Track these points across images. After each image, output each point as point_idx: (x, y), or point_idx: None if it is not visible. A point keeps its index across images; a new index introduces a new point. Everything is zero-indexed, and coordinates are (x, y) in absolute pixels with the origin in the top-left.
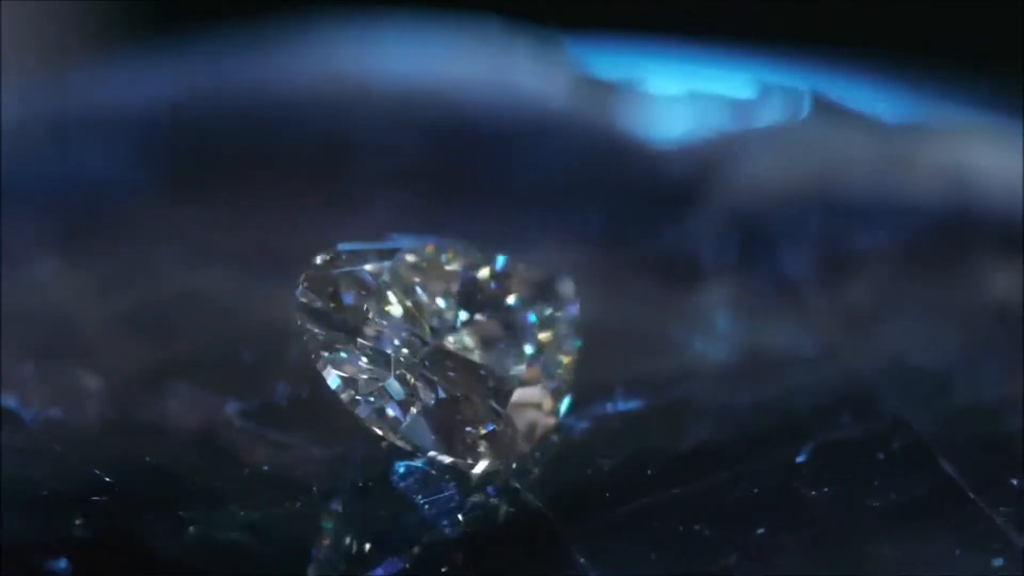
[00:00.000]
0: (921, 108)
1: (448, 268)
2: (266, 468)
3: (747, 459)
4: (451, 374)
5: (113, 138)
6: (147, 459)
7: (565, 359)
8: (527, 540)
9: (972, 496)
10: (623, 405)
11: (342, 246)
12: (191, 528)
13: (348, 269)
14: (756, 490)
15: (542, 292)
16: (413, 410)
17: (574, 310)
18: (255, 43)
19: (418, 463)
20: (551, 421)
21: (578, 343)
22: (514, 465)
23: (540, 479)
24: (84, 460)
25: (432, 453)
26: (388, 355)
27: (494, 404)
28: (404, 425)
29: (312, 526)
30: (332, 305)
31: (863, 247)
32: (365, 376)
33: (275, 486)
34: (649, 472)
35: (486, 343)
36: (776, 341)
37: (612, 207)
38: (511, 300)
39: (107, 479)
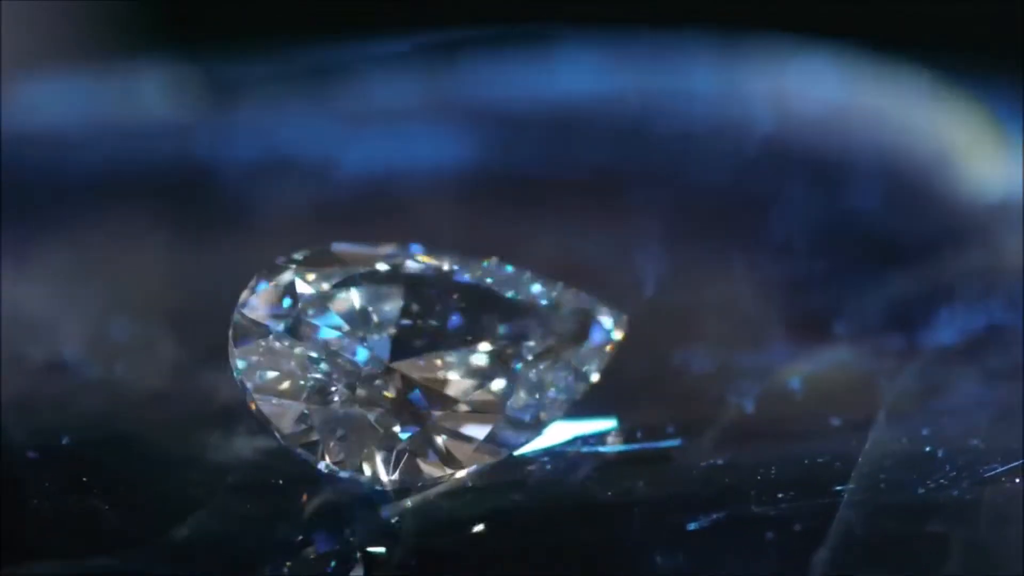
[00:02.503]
0: None
1: (428, 288)
2: (210, 455)
3: (643, 520)
4: (387, 393)
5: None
6: (124, 425)
7: (550, 400)
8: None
9: None
10: (599, 447)
11: (336, 246)
12: (72, 496)
13: (302, 271)
14: (612, 551)
15: (560, 332)
16: (304, 410)
17: (594, 354)
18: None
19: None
20: (486, 453)
21: (574, 388)
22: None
23: (429, 506)
24: (72, 415)
25: (311, 459)
26: (311, 360)
27: (412, 428)
28: (291, 429)
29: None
30: (273, 305)
31: None
32: (274, 373)
33: (200, 470)
34: (532, 517)
35: (449, 369)
36: (838, 408)
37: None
38: (494, 329)
39: (64, 440)
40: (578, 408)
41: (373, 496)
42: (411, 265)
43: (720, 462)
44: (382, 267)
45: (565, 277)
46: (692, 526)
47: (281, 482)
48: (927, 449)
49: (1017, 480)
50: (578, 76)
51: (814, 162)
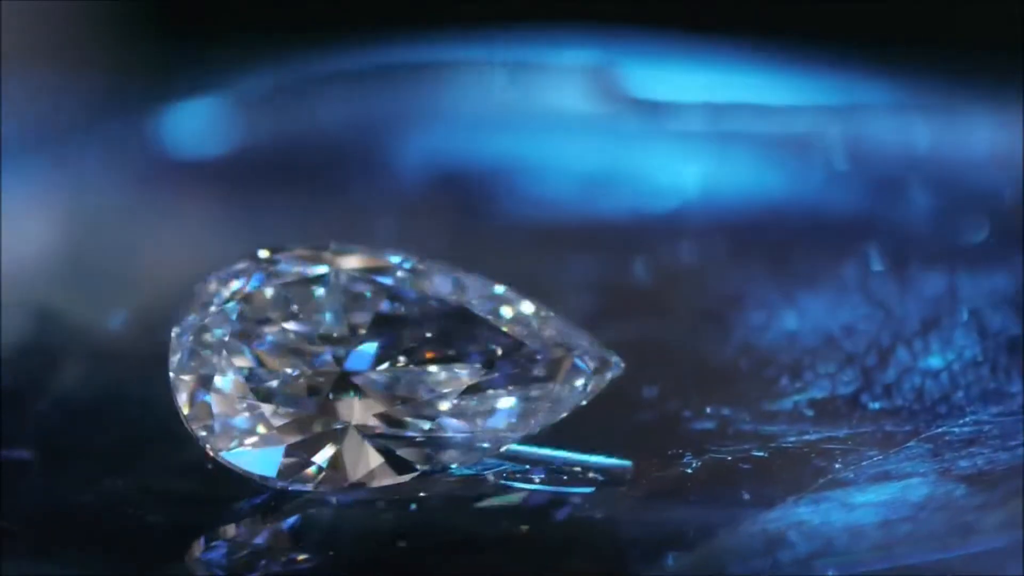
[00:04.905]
0: None
1: (400, 299)
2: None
3: (469, 559)
4: (331, 399)
5: None
6: (147, 390)
7: (502, 427)
8: None
9: None
10: (515, 482)
11: (335, 246)
12: (22, 447)
13: (269, 264)
14: None
15: (528, 365)
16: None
17: (564, 394)
18: None
19: None
20: (406, 469)
21: (531, 422)
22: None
23: (331, 515)
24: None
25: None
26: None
27: (337, 435)
28: (193, 412)
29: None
30: (224, 291)
31: None
32: (198, 354)
33: (170, 445)
34: (393, 551)
35: (400, 383)
36: (774, 484)
37: None
38: (457, 350)
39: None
40: (549, 439)
41: (281, 498)
42: (395, 274)
43: (599, 515)
44: (361, 272)
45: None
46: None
47: (210, 467)
48: (792, 537)
49: None
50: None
51: None
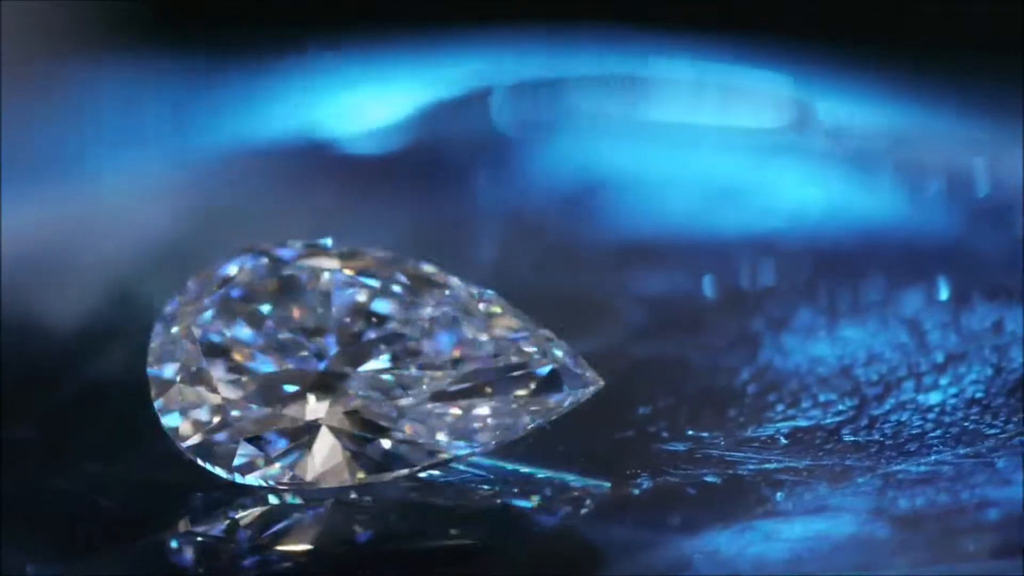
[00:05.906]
0: None
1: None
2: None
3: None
4: (307, 396)
5: None
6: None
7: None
8: None
9: None
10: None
11: (332, 244)
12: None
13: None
14: None
15: (506, 376)
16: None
17: (539, 406)
18: None
19: None
20: (357, 473)
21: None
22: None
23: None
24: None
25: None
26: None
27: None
28: (162, 401)
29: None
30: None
31: None
32: (168, 337)
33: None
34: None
35: (371, 386)
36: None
37: None
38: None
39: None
40: (529, 450)
41: (246, 493)
42: (388, 276)
43: (527, 530)
44: (352, 272)
45: None
46: None
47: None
48: (697, 564)
49: None
50: None
51: None
